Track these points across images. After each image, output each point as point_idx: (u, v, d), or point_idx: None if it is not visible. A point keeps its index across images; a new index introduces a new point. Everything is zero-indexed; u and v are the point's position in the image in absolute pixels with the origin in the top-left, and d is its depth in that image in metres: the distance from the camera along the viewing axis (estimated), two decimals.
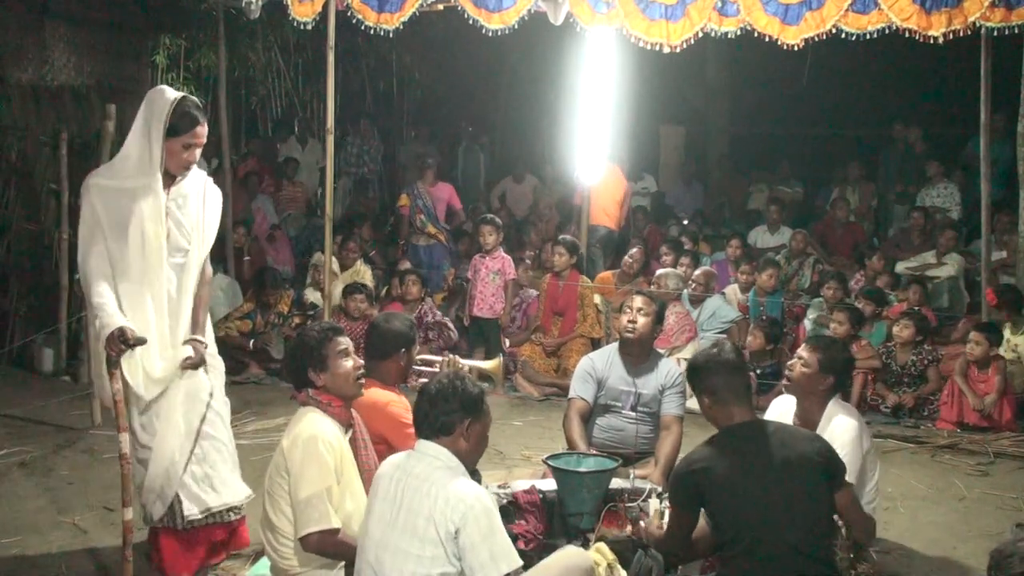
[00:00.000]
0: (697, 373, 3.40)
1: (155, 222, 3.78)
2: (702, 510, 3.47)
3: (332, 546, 3.32)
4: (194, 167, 3.93)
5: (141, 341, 3.65)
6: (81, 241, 3.78)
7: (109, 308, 3.66)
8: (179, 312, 3.87)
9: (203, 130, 3.85)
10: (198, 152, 3.87)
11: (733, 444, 3.24)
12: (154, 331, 3.78)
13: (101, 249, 3.73)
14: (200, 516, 3.89)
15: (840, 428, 3.98)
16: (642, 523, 3.81)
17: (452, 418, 3.05)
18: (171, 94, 3.82)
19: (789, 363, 4.24)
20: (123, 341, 3.59)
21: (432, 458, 3.03)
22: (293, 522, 3.36)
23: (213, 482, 3.92)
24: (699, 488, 3.21)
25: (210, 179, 4.03)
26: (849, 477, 3.75)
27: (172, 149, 3.78)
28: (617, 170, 10.03)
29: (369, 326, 4.39)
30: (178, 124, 3.77)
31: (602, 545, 3.58)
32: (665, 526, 3.55)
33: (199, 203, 3.93)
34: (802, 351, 4.15)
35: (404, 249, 9.83)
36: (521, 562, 2.98)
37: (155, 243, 3.78)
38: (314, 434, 3.37)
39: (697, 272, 8.24)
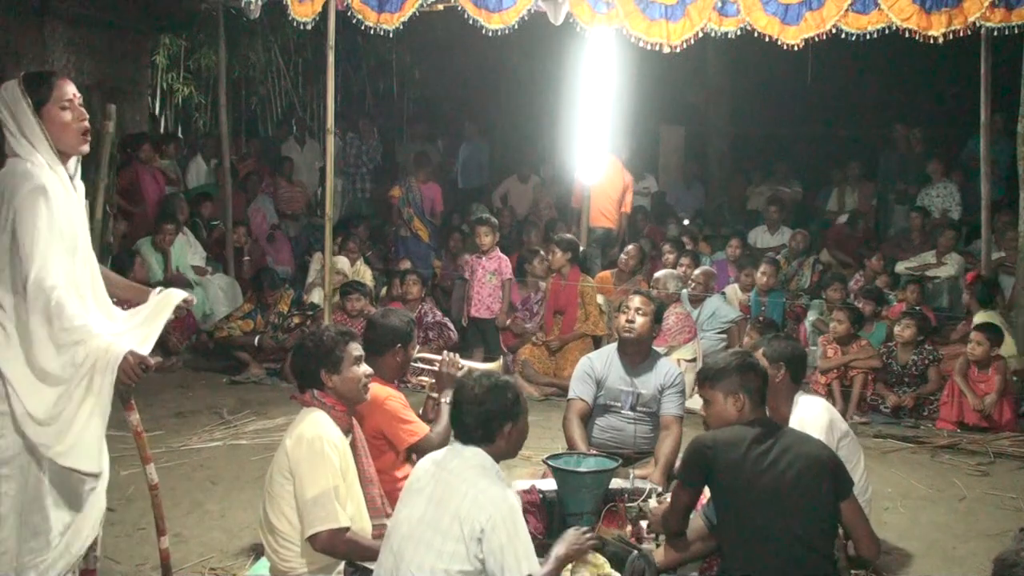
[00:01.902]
0: (729, 372, 3.44)
1: (80, 215, 3.28)
2: (704, 512, 3.50)
3: (343, 544, 3.31)
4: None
5: (157, 364, 3.28)
6: (36, 250, 3.05)
7: (95, 329, 3.15)
8: (107, 313, 3.39)
9: (68, 85, 3.21)
10: (85, 116, 3.23)
11: (753, 434, 3.30)
12: None
13: (59, 260, 3.13)
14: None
15: (810, 411, 4.06)
16: (652, 501, 3.87)
17: (493, 425, 3.12)
18: (10, 81, 3.18)
19: None
20: (144, 368, 3.14)
21: (466, 458, 3.11)
22: (295, 523, 3.35)
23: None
24: (708, 465, 3.28)
25: None
26: None
27: (53, 119, 3.14)
28: (617, 164, 9.88)
29: (367, 322, 4.43)
30: (36, 92, 3.13)
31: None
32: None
33: (81, 191, 3.38)
34: (756, 354, 4.19)
35: (393, 241, 10.04)
36: (540, 568, 3.04)
37: (83, 239, 3.29)
38: (319, 434, 3.37)
39: (696, 272, 8.23)
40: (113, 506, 4.36)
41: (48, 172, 3.13)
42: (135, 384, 3.16)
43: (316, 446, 3.33)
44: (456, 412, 3.19)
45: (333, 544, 3.30)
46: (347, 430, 3.57)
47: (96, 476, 3.20)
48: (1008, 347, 6.83)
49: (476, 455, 3.10)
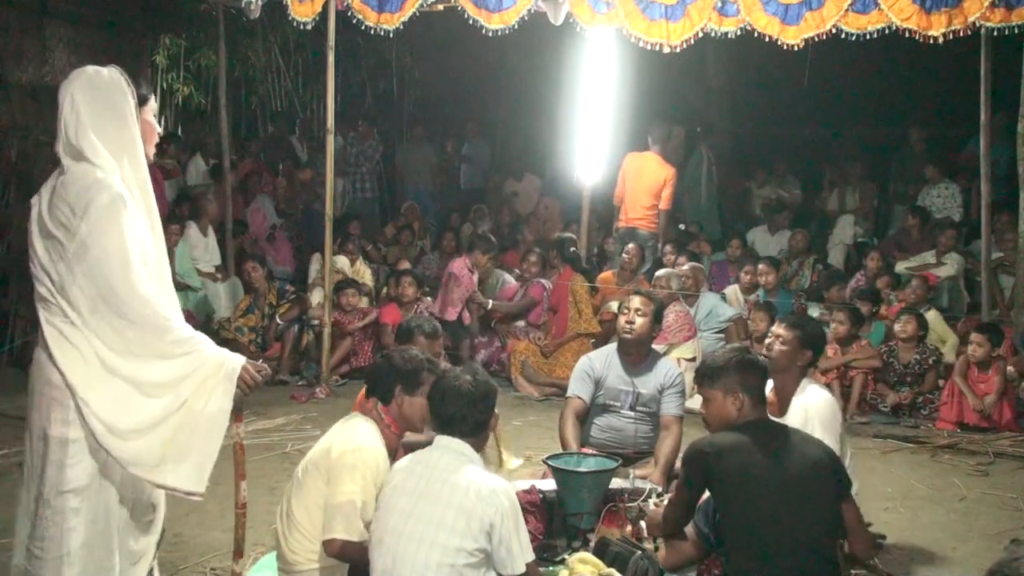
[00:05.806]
0: (728, 370, 3.39)
1: (159, 225, 3.15)
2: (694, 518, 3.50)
3: (354, 553, 3.33)
4: None
5: (268, 375, 3.16)
6: (123, 267, 2.87)
7: (204, 338, 3.01)
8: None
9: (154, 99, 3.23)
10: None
11: (753, 437, 3.28)
12: None
13: (145, 272, 2.95)
14: None
15: (814, 400, 4.06)
16: (652, 502, 3.87)
17: (485, 417, 3.20)
18: (104, 68, 3.06)
19: (767, 341, 4.28)
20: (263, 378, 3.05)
21: (456, 453, 3.13)
22: (316, 521, 3.38)
23: None
24: (708, 470, 3.26)
25: None
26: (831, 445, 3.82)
27: (147, 124, 3.10)
28: (655, 157, 9.13)
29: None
30: (139, 90, 3.08)
31: (586, 555, 3.59)
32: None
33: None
34: (778, 329, 4.21)
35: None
36: (533, 555, 3.10)
37: (164, 249, 3.17)
38: (372, 447, 3.40)
39: (685, 267, 8.19)
40: None
41: (119, 181, 2.95)
42: (249, 395, 3.04)
43: (365, 457, 3.36)
44: (447, 407, 3.17)
45: (345, 552, 3.32)
46: (392, 451, 3.57)
47: (200, 496, 3.05)
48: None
49: (464, 450, 3.14)
